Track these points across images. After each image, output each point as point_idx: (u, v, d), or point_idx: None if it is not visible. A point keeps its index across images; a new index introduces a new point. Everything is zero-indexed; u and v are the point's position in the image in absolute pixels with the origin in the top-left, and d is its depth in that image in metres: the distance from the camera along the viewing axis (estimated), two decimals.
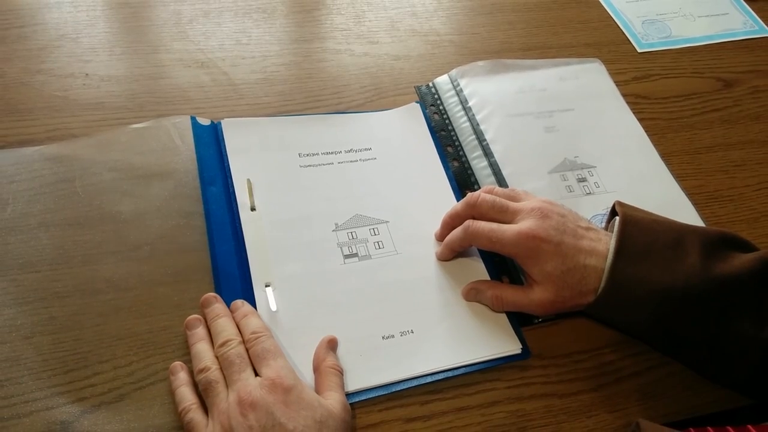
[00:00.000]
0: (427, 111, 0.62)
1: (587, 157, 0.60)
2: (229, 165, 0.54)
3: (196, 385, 0.43)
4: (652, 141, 0.62)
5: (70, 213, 0.50)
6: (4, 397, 0.42)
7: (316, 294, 0.48)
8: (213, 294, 0.47)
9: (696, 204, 0.58)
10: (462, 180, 0.57)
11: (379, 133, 0.59)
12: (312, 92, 0.62)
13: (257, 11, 0.69)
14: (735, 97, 0.69)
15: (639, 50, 0.72)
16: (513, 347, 0.47)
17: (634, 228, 0.46)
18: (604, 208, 0.55)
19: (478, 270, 0.51)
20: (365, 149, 0.58)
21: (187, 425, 0.40)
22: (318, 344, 0.45)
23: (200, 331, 0.45)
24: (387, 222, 0.53)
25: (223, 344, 0.43)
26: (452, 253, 0.51)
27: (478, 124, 0.60)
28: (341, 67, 0.65)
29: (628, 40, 0.73)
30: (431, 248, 0.52)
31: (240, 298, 0.47)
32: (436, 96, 0.63)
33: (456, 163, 0.58)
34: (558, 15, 0.74)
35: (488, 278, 0.51)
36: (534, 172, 0.58)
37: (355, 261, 0.50)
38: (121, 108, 0.58)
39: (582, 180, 0.58)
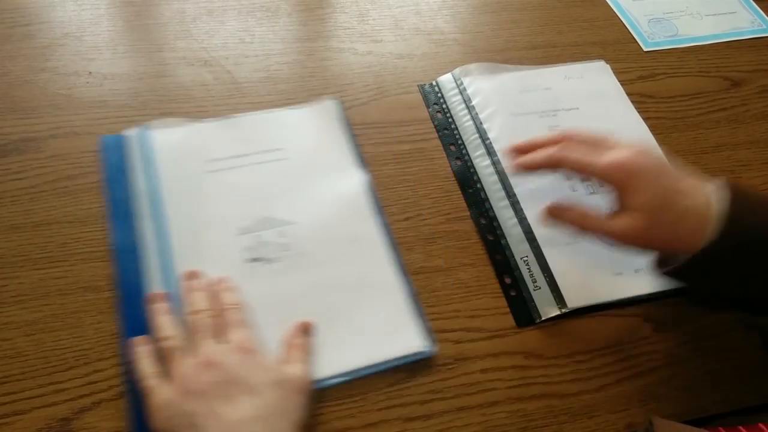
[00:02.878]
0: (430, 109, 0.62)
1: None
2: (130, 175, 0.52)
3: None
4: (658, 140, 0.62)
5: (72, 210, 0.50)
6: (4, 394, 0.42)
7: None
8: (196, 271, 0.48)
9: None
10: (464, 178, 0.57)
11: (292, 132, 0.58)
12: (315, 91, 0.62)
13: (261, 10, 0.69)
14: (742, 96, 0.68)
15: (645, 49, 0.71)
16: (419, 344, 0.46)
17: (742, 186, 0.42)
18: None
19: (385, 273, 0.50)
20: (276, 149, 0.56)
21: (145, 390, 0.40)
22: (294, 325, 0.46)
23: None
24: (295, 223, 0.51)
25: (195, 312, 0.44)
26: (529, 169, 0.48)
27: (481, 123, 0.60)
28: (344, 66, 0.65)
29: (634, 38, 0.72)
30: (340, 249, 0.51)
31: (144, 310, 0.45)
32: (439, 95, 0.63)
33: (458, 162, 0.58)
34: (563, 13, 0.74)
35: (394, 274, 0.50)
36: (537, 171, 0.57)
37: (260, 264, 0.49)
38: (124, 106, 0.58)
39: (586, 179, 0.57)
